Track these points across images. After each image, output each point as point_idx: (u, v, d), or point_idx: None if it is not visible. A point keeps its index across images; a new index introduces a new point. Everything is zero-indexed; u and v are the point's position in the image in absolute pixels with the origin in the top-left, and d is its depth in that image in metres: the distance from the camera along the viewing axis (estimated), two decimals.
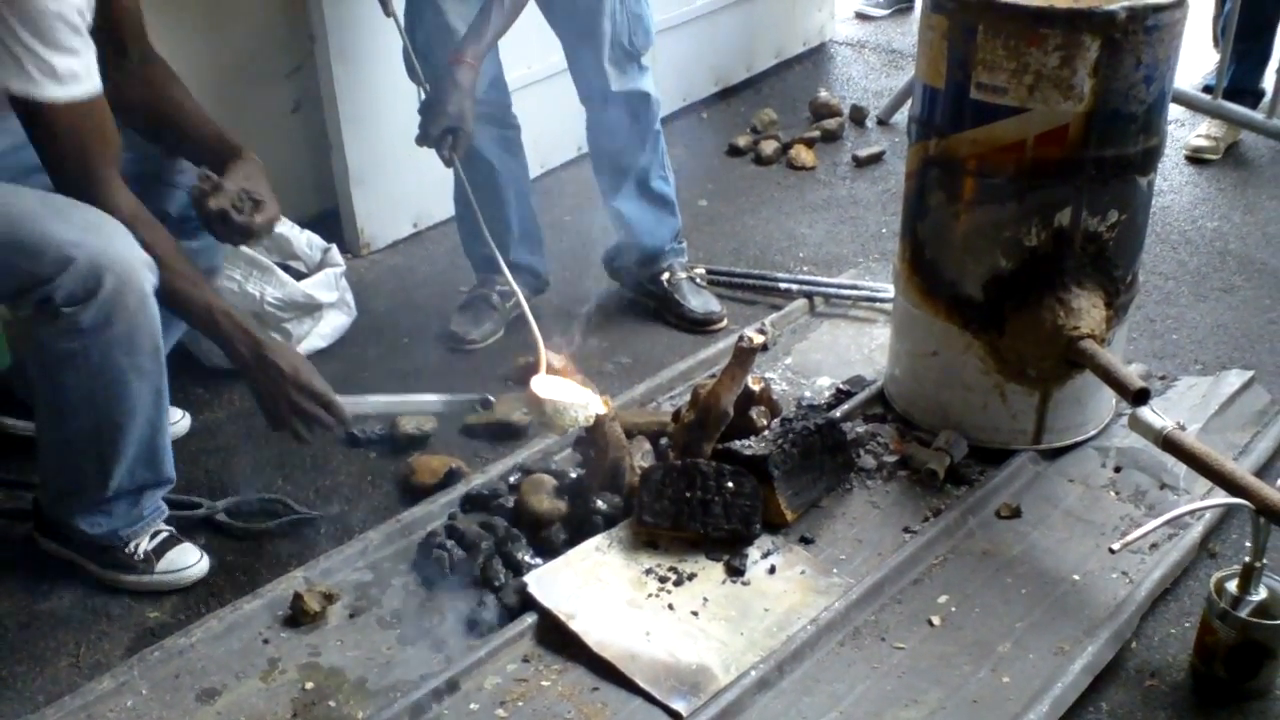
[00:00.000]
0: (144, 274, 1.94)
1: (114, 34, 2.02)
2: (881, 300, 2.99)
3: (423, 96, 2.49)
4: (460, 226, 3.00)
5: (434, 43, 2.62)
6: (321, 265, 2.90)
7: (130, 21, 2.13)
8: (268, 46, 3.12)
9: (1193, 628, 1.99)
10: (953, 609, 2.07)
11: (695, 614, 2.03)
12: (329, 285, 2.88)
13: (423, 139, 2.41)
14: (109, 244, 1.90)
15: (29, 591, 2.18)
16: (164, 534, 2.20)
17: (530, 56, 3.37)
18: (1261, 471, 2.34)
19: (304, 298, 2.80)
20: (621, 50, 2.76)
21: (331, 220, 3.29)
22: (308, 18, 3.05)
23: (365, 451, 2.54)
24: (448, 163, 2.43)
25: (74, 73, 1.86)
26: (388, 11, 2.54)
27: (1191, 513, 2.15)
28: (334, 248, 2.95)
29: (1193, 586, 2.13)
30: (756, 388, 2.35)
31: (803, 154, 3.98)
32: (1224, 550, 2.22)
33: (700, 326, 3.01)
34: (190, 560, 2.20)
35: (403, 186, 3.35)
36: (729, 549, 2.15)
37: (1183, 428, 2.13)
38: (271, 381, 2.11)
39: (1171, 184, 3.74)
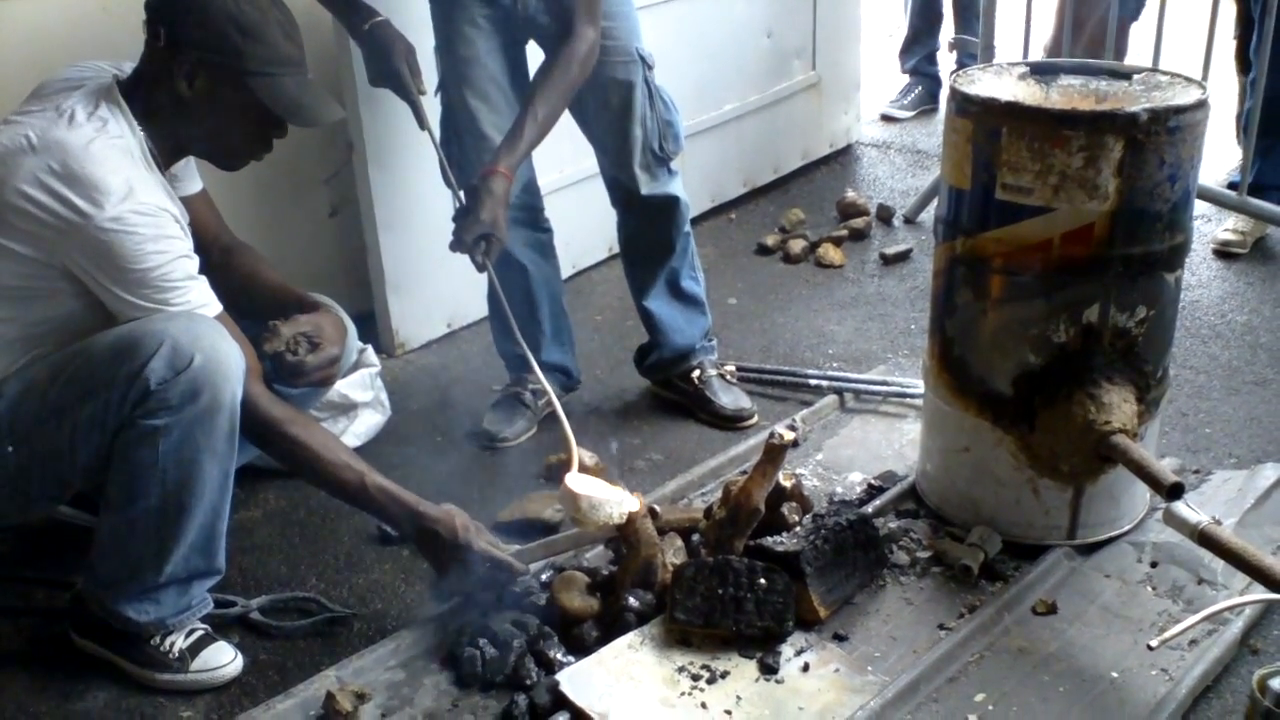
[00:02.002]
0: (232, 355, 2.02)
1: (195, 244, 2.13)
2: (911, 396, 3.00)
3: (457, 204, 2.55)
4: (493, 326, 3.04)
5: (468, 150, 2.70)
6: (357, 365, 2.93)
7: (205, 228, 2.29)
8: (307, 153, 3.21)
9: None
10: (990, 707, 2.04)
11: (729, 713, 2.01)
12: (364, 385, 2.92)
13: (456, 245, 2.46)
14: (198, 326, 2.01)
15: (63, 691, 2.19)
16: (199, 632, 2.22)
17: (563, 161, 3.45)
18: None
19: (340, 397, 2.84)
20: (652, 155, 2.83)
21: (367, 321, 3.34)
22: (346, 126, 3.14)
23: (398, 549, 2.55)
24: (480, 268, 2.48)
25: (204, 303, 2.05)
26: (423, 125, 2.61)
27: (1231, 608, 2.12)
28: (369, 348, 2.99)
29: (1235, 684, 2.09)
30: (788, 484, 2.36)
31: (831, 252, 4.03)
32: (1266, 647, 2.18)
33: (731, 423, 3.03)
34: (225, 659, 2.21)
35: (437, 288, 3.41)
36: (762, 646, 2.14)
37: (1219, 522, 2.11)
38: (436, 549, 2.21)
39: (1200, 278, 3.75)
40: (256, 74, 2.07)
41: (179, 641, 2.19)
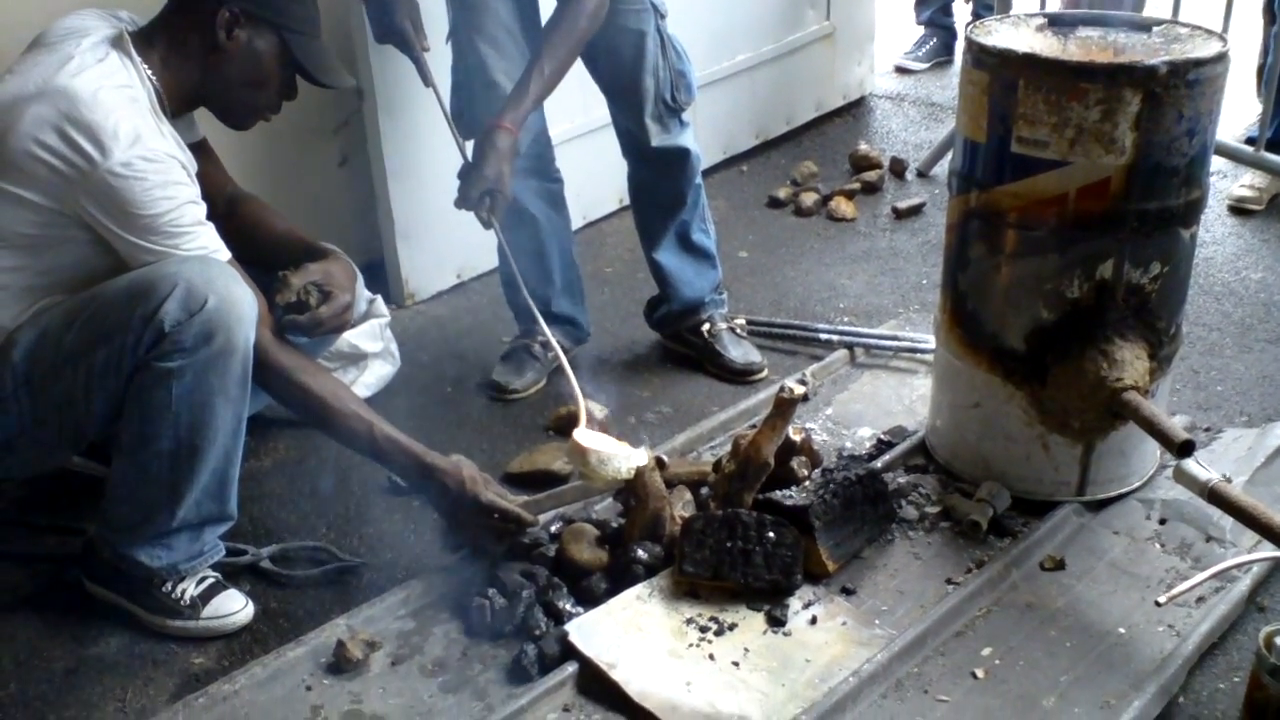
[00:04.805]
0: (245, 298, 2.03)
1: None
2: (922, 351, 2.99)
3: (464, 160, 2.53)
4: (503, 278, 3.03)
5: (478, 97, 2.68)
6: (367, 316, 2.92)
7: (209, 178, 2.26)
8: (316, 102, 3.16)
9: (1242, 683, 1.96)
10: (997, 662, 2.05)
11: (736, 664, 2.02)
12: (374, 335, 2.92)
13: (461, 202, 2.45)
14: (211, 269, 2.01)
15: (76, 637, 2.21)
16: (210, 580, 2.23)
17: (573, 111, 3.42)
18: None
19: (350, 348, 2.84)
20: (664, 106, 2.80)
21: (377, 272, 3.34)
22: (355, 74, 3.12)
23: (408, 500, 2.56)
24: (486, 225, 2.47)
25: (215, 248, 2.06)
26: (427, 82, 2.59)
27: (1239, 566, 2.13)
28: (379, 299, 2.98)
29: (1241, 641, 2.10)
30: (797, 438, 2.35)
31: (843, 206, 4.00)
32: (1273, 604, 2.19)
33: (741, 377, 3.02)
34: (235, 606, 2.23)
35: (447, 238, 3.39)
36: (770, 599, 2.14)
37: (1228, 480, 2.11)
38: (444, 499, 2.22)
39: (1214, 235, 3.72)
40: (295, 32, 2.14)
41: (190, 589, 2.20)
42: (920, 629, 2.07)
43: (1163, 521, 2.37)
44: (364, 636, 2.09)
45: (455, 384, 3.05)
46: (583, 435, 2.19)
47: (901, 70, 5.35)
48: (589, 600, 2.16)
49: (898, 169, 4.33)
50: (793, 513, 2.18)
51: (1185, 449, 2.10)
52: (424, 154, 3.25)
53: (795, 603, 2.15)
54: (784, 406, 2.20)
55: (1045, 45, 2.27)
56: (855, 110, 4.91)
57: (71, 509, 2.47)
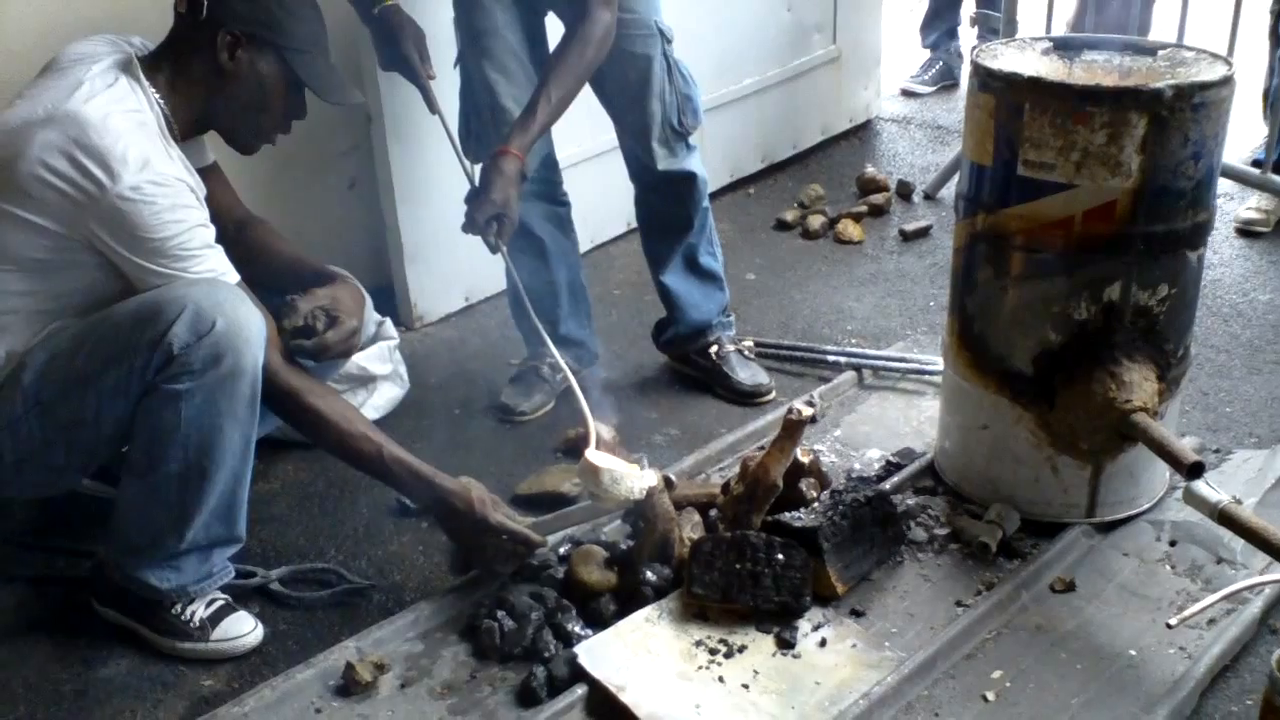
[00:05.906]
0: (253, 320, 2.04)
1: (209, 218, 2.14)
2: (930, 373, 2.99)
3: (471, 186, 2.54)
4: (511, 301, 3.04)
5: (487, 123, 2.69)
6: (375, 338, 2.93)
7: (219, 202, 2.28)
8: (325, 126, 3.20)
9: (1254, 706, 1.95)
10: (1007, 684, 2.04)
11: (746, 687, 2.02)
12: (383, 358, 2.93)
13: (469, 226, 2.47)
14: (219, 292, 2.02)
15: (85, 659, 2.21)
16: (220, 602, 2.24)
17: (581, 135, 3.44)
18: None
19: (358, 370, 2.84)
20: (671, 130, 2.81)
21: (386, 294, 3.34)
22: (365, 98, 3.13)
23: (417, 522, 2.56)
24: (493, 249, 2.48)
25: (223, 271, 2.06)
26: (433, 110, 2.61)
27: (1250, 588, 2.12)
28: (388, 321, 2.99)
29: (1253, 663, 2.09)
30: (806, 460, 2.36)
31: (850, 228, 4.01)
32: None
33: (749, 399, 3.03)
34: (245, 629, 2.23)
35: (455, 261, 3.40)
36: (779, 621, 2.14)
37: (1239, 501, 2.11)
38: (453, 521, 2.23)
39: (1222, 257, 3.72)
40: (297, 50, 2.14)
41: (200, 611, 2.20)
42: (930, 651, 2.07)
43: (1173, 543, 2.36)
44: (373, 659, 2.09)
45: (464, 406, 3.05)
46: (594, 455, 2.20)
47: (908, 94, 5.36)
48: (598, 622, 2.16)
49: (904, 192, 4.34)
50: (802, 534, 2.18)
51: (1195, 470, 2.10)
52: (432, 177, 3.26)
53: (805, 625, 2.15)
54: (792, 428, 2.20)
55: (1051, 69, 2.28)
56: (862, 133, 4.93)
57: (81, 531, 2.47)
